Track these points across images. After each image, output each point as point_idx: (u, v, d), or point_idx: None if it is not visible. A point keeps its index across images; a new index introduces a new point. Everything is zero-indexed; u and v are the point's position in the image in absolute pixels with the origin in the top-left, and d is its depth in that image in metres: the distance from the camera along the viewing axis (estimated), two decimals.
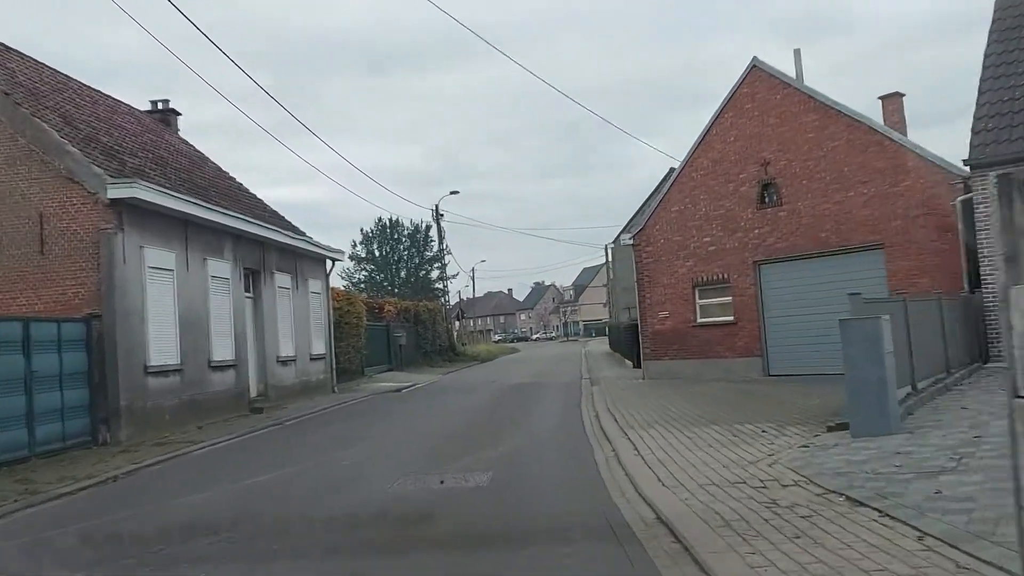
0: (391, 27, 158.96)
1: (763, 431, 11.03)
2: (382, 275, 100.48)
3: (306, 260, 25.97)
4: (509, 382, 29.03)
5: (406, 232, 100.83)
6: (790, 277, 20.17)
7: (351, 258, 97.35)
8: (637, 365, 29.98)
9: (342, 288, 31.20)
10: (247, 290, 21.64)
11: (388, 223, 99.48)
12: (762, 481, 7.80)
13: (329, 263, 28.11)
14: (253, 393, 21.24)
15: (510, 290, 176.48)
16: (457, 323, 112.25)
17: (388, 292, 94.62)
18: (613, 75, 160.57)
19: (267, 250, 22.72)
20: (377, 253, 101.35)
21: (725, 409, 14.48)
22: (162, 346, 16.71)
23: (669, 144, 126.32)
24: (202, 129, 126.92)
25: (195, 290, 18.37)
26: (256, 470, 11.22)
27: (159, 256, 16.84)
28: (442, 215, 53.70)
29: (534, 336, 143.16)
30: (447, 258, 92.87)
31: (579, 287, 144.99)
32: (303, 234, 26.20)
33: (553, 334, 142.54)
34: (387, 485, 9.20)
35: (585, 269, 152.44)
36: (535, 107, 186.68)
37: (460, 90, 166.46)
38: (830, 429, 10.24)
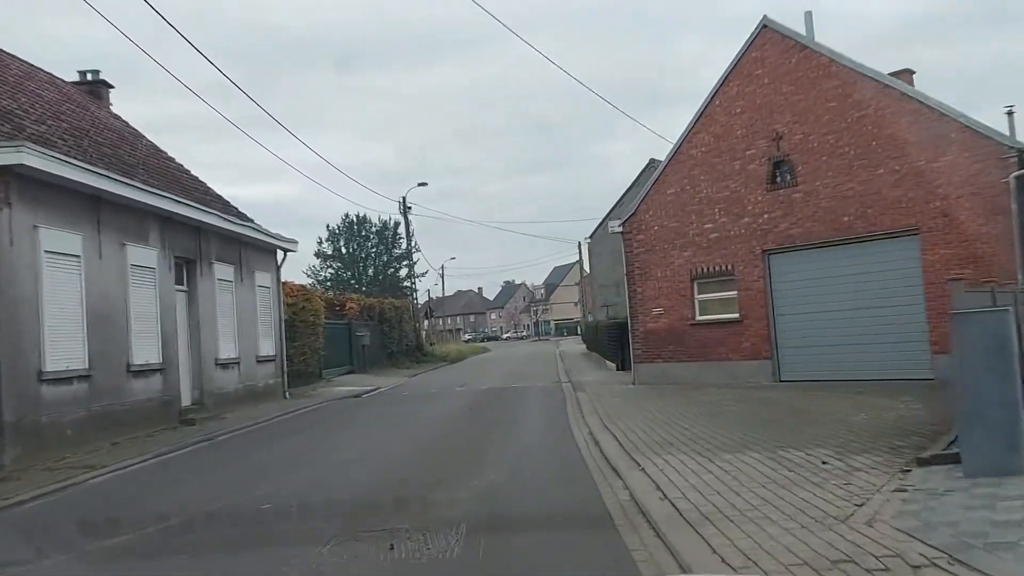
0: (359, 24, 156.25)
1: (822, 462, 8.34)
2: (349, 273, 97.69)
3: (253, 250, 23.04)
4: (481, 386, 26.32)
5: (374, 229, 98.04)
6: (805, 268, 17.58)
7: (317, 255, 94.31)
8: (622, 368, 27.40)
9: (299, 284, 28.32)
10: (179, 282, 18.65)
11: (355, 219, 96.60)
12: (878, 558, 5.11)
13: (280, 254, 25.17)
14: (186, 402, 18.28)
15: (480, 289, 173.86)
16: (426, 322, 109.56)
17: (355, 290, 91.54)
18: (586, 74, 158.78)
19: (205, 237, 19.75)
20: (344, 250, 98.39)
21: (754, 427, 11.80)
22: (63, 347, 13.71)
23: (640, 144, 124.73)
24: (168, 125, 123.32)
25: (110, 281, 15.38)
26: (142, 515, 8.32)
27: (60, 238, 13.85)
28: (409, 208, 50.77)
29: (505, 335, 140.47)
30: (416, 256, 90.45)
31: (550, 286, 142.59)
32: (250, 220, 23.26)
33: (524, 333, 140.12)
34: (315, 548, 6.37)
35: (556, 268, 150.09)
36: (505, 106, 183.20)
37: (430, 88, 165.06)
38: (922, 463, 7.59)
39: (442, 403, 20.81)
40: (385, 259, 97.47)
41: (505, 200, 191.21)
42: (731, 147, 18.60)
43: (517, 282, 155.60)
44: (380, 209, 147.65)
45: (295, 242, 25.74)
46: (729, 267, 18.74)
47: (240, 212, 23.56)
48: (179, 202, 18.06)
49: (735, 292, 18.72)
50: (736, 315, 18.65)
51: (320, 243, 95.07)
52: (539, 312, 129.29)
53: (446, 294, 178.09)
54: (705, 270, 19.25)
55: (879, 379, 15.45)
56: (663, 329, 19.99)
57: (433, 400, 22.10)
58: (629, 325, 21.05)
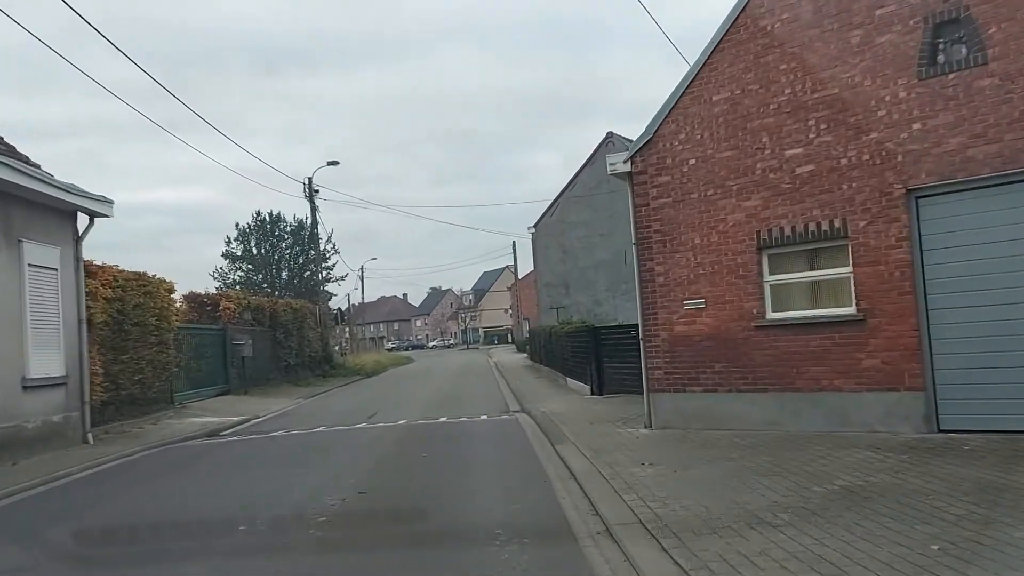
0: (281, 29, 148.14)
1: None
2: (260, 275, 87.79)
3: (23, 208, 14.07)
4: (397, 418, 17.89)
5: (288, 228, 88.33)
6: (992, 223, 9.38)
7: (225, 256, 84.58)
8: (599, 392, 19.03)
9: (137, 271, 19.26)
10: None
11: (268, 217, 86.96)
12: None
13: (84, 220, 16.13)
14: None
15: (405, 295, 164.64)
16: (346, 330, 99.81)
17: (268, 294, 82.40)
18: (505, 87, 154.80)
19: None
20: (256, 251, 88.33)
21: None
22: None
23: (558, 159, 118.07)
24: (79, 128, 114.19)
25: None
26: None
27: None
28: (317, 191, 41.67)
29: (431, 344, 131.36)
30: (334, 258, 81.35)
31: (479, 292, 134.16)
32: (24, 161, 14.29)
33: (451, 341, 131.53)
34: None
35: (485, 273, 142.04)
36: (427, 115, 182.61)
37: (353, 95, 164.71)
38: None
39: (328, 459, 12.11)
40: (301, 260, 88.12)
41: (430, 209, 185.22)
42: (844, 5, 10.30)
43: (444, 288, 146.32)
44: (293, 197, 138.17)
45: (108, 202, 16.60)
46: (836, 224, 10.41)
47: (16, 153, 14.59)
48: None
49: (848, 269, 10.42)
50: (850, 310, 10.34)
51: (228, 243, 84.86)
52: (467, 319, 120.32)
53: (369, 300, 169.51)
54: (786, 232, 10.90)
55: None
56: (704, 335, 11.58)
57: (316, 454, 13.31)
58: (640, 328, 12.50)
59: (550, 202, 40.48)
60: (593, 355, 19.30)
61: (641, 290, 12.30)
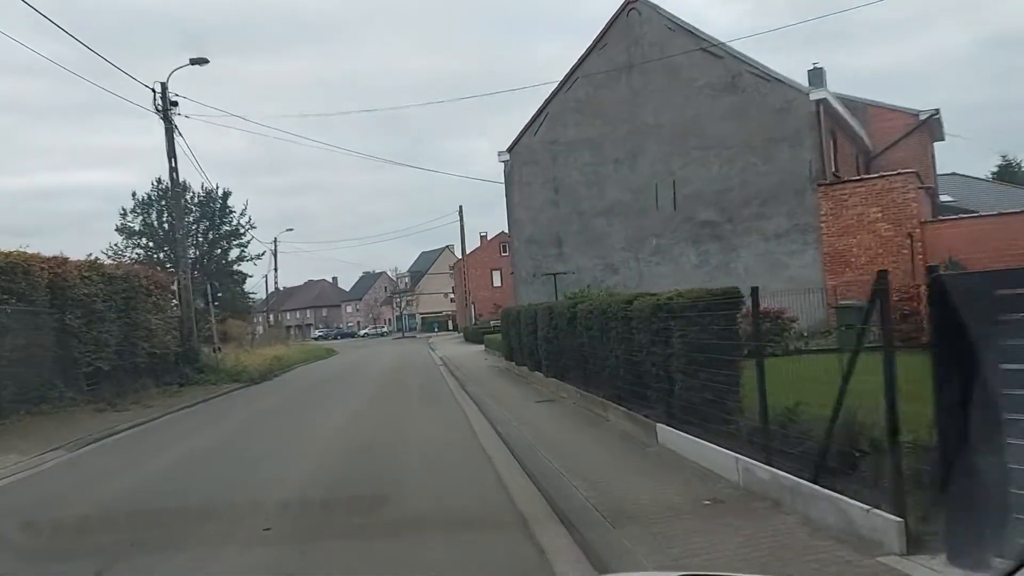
0: (206, 3, 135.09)
1: None
2: (163, 252, 72.27)
3: None
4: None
5: (196, 199, 73.20)
6: None
7: (119, 230, 69.69)
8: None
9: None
10: None
11: (171, 185, 71.45)
12: None
13: None
14: None
15: (335, 278, 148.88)
16: (258, 319, 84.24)
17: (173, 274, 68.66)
18: (439, 73, 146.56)
19: None
20: (158, 224, 72.71)
21: None
22: None
23: (493, 145, 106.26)
24: None
25: None
26: None
27: None
28: (175, 103, 26.98)
29: (362, 331, 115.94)
30: (248, 235, 66.58)
31: (416, 274, 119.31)
32: None
33: (384, 329, 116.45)
34: None
35: (423, 253, 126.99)
36: (360, 100, 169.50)
37: (282, 77, 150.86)
38: None
39: None
40: (211, 237, 72.88)
41: (365, 192, 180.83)
42: None
43: (377, 271, 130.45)
44: (138, 111, 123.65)
45: None
46: None
47: None
48: None
49: None
50: None
51: (124, 215, 69.49)
52: (403, 304, 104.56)
53: (293, 285, 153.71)
54: None
55: None
56: None
57: None
58: None
59: (533, 115, 26.31)
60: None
61: None
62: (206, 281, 54.27)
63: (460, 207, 59.85)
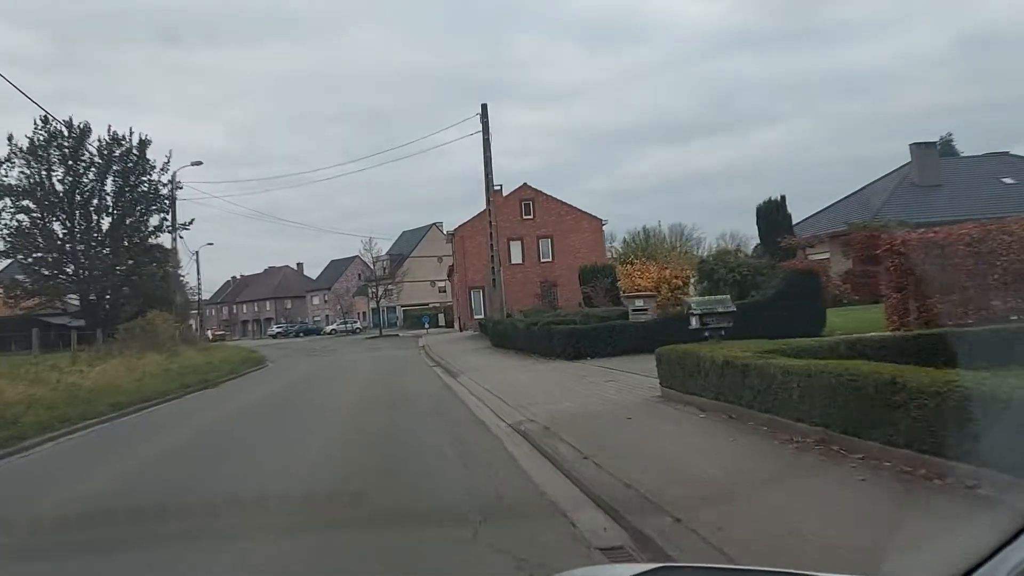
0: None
1: None
2: (60, 221, 51.07)
3: None
4: None
5: (100, 147, 51.55)
6: None
7: None
8: None
9: None
10: None
11: (66, 128, 49.69)
12: None
13: None
14: None
15: (300, 264, 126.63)
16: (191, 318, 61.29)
17: (77, 255, 50.92)
18: (416, 68, 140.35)
19: None
20: (53, 180, 51.66)
21: None
22: None
23: (475, 138, 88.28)
24: None
25: None
26: None
27: None
28: None
29: (328, 328, 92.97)
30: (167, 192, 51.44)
31: (396, 257, 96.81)
32: None
33: (357, 325, 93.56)
34: None
35: (406, 232, 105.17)
36: (339, 93, 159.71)
37: (260, 70, 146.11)
38: None
39: None
40: (125, 199, 51.34)
41: (342, 185, 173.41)
42: None
43: (349, 256, 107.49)
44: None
45: None
46: None
47: None
48: None
49: None
50: None
51: None
52: (380, 294, 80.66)
53: (252, 272, 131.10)
54: None
55: None
56: None
57: None
58: None
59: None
60: None
61: None
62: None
63: (483, 106, 37.47)
